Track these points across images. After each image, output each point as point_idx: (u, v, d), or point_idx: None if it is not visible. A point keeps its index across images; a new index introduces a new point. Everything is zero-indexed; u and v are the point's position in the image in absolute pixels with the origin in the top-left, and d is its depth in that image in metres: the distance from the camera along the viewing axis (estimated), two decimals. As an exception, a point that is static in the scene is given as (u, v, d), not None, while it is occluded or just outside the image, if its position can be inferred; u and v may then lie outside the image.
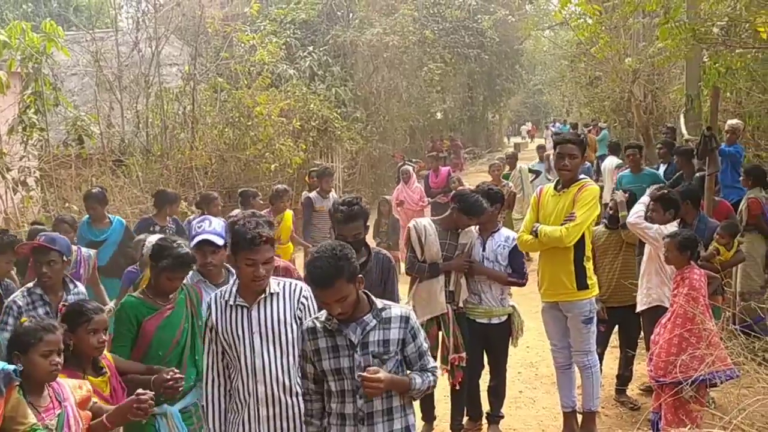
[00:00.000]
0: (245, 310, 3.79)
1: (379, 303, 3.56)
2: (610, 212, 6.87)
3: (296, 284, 3.94)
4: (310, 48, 21.76)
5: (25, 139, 10.17)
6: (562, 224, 5.57)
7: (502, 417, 6.33)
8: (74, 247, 6.16)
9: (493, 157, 29.91)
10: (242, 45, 15.46)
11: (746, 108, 10.68)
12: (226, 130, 14.71)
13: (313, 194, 10.63)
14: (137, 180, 12.37)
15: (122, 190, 11.84)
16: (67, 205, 10.41)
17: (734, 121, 9.75)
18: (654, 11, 10.03)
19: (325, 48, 22.30)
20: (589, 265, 5.79)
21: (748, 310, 7.15)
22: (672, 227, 6.05)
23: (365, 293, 3.55)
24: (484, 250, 5.96)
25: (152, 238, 5.14)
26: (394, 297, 4.86)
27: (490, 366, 6.32)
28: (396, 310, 3.57)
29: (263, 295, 3.80)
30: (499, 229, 6.08)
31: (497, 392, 6.29)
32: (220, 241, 4.57)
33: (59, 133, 12.21)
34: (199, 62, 15.48)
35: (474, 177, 20.50)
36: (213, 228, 4.62)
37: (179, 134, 14.50)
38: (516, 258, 5.98)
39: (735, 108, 11.07)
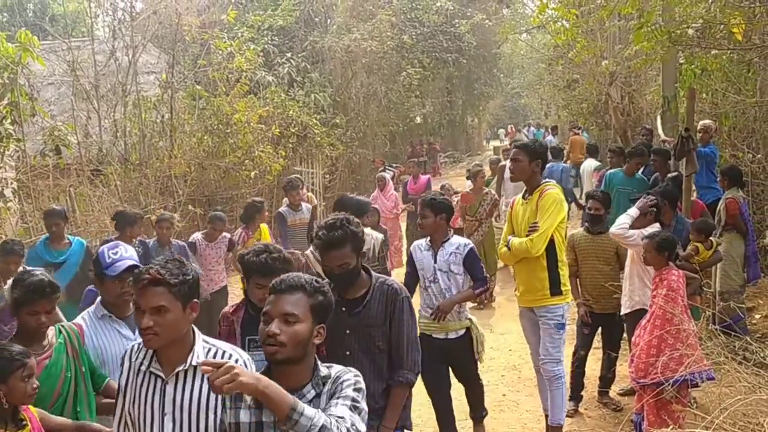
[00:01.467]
0: (159, 383, 3.03)
1: (324, 369, 2.81)
2: (590, 213, 6.91)
3: (231, 353, 3.10)
4: (288, 54, 21.77)
5: (1, 150, 10.05)
6: (527, 235, 5.58)
7: (486, 414, 6.32)
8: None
9: (472, 160, 30.02)
10: (220, 52, 15.39)
11: (722, 109, 10.77)
12: (205, 137, 14.64)
13: (283, 208, 10.10)
14: (116, 189, 12.28)
15: (101, 200, 11.75)
16: (57, 203, 10.30)
17: (707, 121, 9.84)
18: (630, 14, 10.10)
19: (303, 54, 22.32)
20: (563, 271, 5.73)
21: (728, 310, 7.21)
22: (652, 229, 6.11)
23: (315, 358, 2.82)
24: (435, 261, 5.69)
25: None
26: (403, 342, 4.06)
27: (461, 381, 6.15)
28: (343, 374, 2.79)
29: (183, 366, 3.01)
30: (449, 239, 5.75)
31: (474, 395, 6.21)
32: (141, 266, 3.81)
33: (36, 143, 12.10)
34: (176, 70, 15.40)
35: (454, 181, 20.52)
36: (130, 254, 4.09)
37: (158, 143, 14.41)
38: (473, 264, 5.72)
39: (711, 109, 11.15)
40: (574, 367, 6.78)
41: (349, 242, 3.90)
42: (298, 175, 12.47)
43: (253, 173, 14.74)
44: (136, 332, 3.87)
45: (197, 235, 8.93)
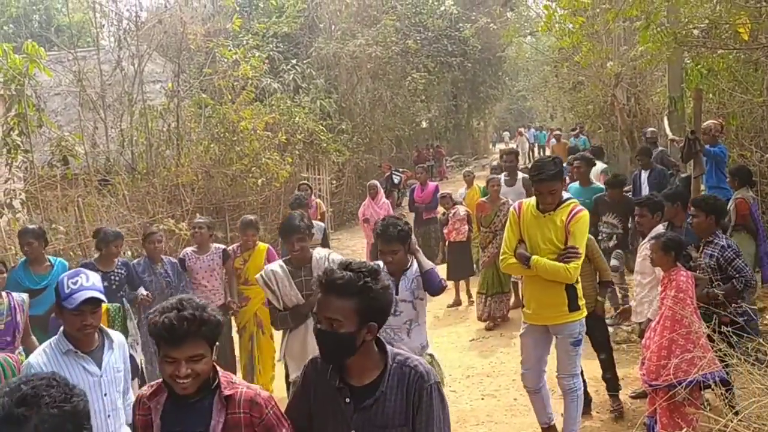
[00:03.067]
0: None
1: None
2: None
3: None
4: (294, 61, 21.83)
5: (9, 162, 10.10)
6: (562, 258, 5.20)
7: None
8: (3, 294, 5.59)
9: (478, 164, 30.01)
10: (225, 60, 15.43)
11: (729, 109, 10.73)
12: (212, 145, 14.67)
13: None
14: (124, 199, 12.30)
15: (109, 210, 11.77)
16: (53, 226, 10.33)
17: (708, 122, 9.82)
18: (635, 16, 10.09)
19: (308, 60, 22.37)
20: (579, 286, 5.48)
21: (740, 311, 7.16)
22: (658, 230, 6.09)
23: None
24: (397, 293, 4.96)
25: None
26: None
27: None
28: None
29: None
30: (410, 267, 5.10)
31: None
32: (102, 297, 3.77)
33: (44, 154, 12.13)
34: (182, 79, 15.44)
35: (461, 185, 20.45)
36: (92, 283, 3.74)
37: (164, 151, 14.45)
38: (431, 282, 5.04)
39: (718, 109, 11.12)
40: None
41: (352, 294, 2.75)
42: (306, 182, 12.36)
43: (260, 180, 14.76)
44: (102, 366, 3.82)
45: (187, 250, 8.03)
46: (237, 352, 8.10)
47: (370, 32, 23.33)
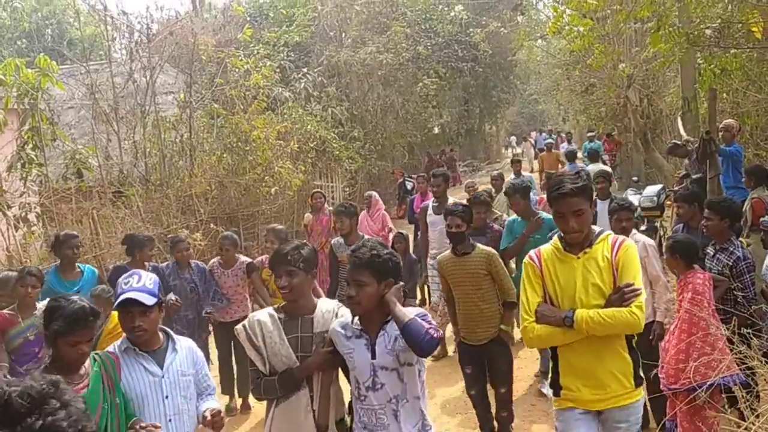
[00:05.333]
0: None
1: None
2: (450, 230, 6.03)
3: None
4: (305, 69, 21.88)
5: (24, 176, 10.16)
6: (619, 301, 3.75)
7: None
8: (38, 304, 5.64)
9: (492, 168, 29.91)
10: (236, 70, 15.48)
11: (743, 108, 10.68)
12: (225, 155, 14.71)
13: (337, 240, 8.11)
14: (138, 210, 12.35)
15: (123, 222, 11.82)
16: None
17: (729, 120, 9.74)
18: (646, 17, 10.06)
19: (319, 69, 22.41)
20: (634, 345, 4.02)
21: (759, 313, 7.09)
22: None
23: None
24: (374, 356, 3.64)
25: (44, 303, 4.22)
26: None
27: None
28: None
29: None
30: (389, 320, 3.64)
31: None
32: (149, 300, 3.71)
33: (58, 167, 12.21)
34: (194, 89, 15.51)
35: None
36: (142, 284, 3.75)
37: (178, 162, 14.51)
38: (414, 338, 3.48)
39: (732, 108, 11.07)
40: (476, 409, 6.22)
41: None
42: (319, 190, 12.21)
43: (273, 189, 14.78)
44: (164, 367, 3.81)
45: (213, 262, 7.96)
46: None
47: (381, 39, 23.37)
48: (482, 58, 30.26)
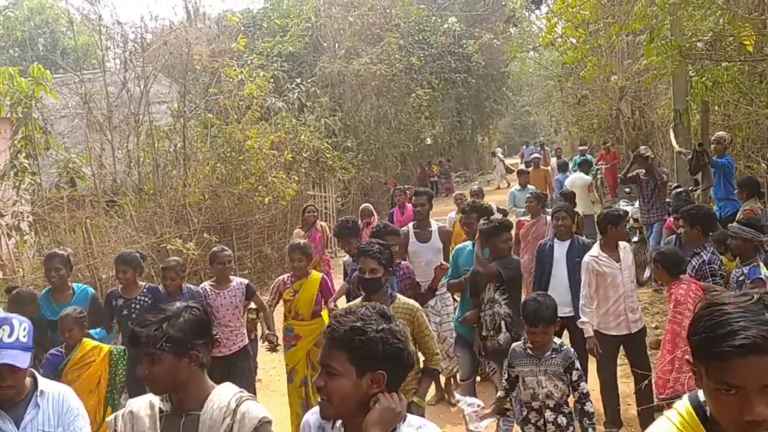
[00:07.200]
0: None
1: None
2: (363, 274, 4.92)
3: None
4: (298, 80, 21.94)
5: (17, 184, 10.14)
6: None
7: None
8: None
9: (484, 179, 29.98)
10: (230, 80, 15.50)
11: (735, 120, 10.75)
12: (218, 165, 14.70)
13: (348, 259, 7.33)
14: (131, 220, 12.32)
15: (117, 231, 11.79)
16: (61, 247, 10.35)
17: (720, 132, 9.82)
18: (638, 29, 10.13)
19: (312, 79, 22.47)
20: None
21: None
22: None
23: None
24: None
25: None
26: None
27: None
28: None
29: None
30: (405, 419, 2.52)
31: None
32: (23, 361, 3.09)
33: (51, 176, 12.18)
34: (188, 99, 15.52)
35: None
36: (15, 338, 3.08)
37: (171, 172, 14.49)
38: None
39: (724, 120, 11.14)
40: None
41: None
42: (312, 204, 11.99)
43: (266, 199, 14.77)
44: (21, 426, 3.16)
45: (204, 285, 6.78)
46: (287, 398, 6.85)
47: (374, 50, 23.45)
48: (475, 69, 30.40)
